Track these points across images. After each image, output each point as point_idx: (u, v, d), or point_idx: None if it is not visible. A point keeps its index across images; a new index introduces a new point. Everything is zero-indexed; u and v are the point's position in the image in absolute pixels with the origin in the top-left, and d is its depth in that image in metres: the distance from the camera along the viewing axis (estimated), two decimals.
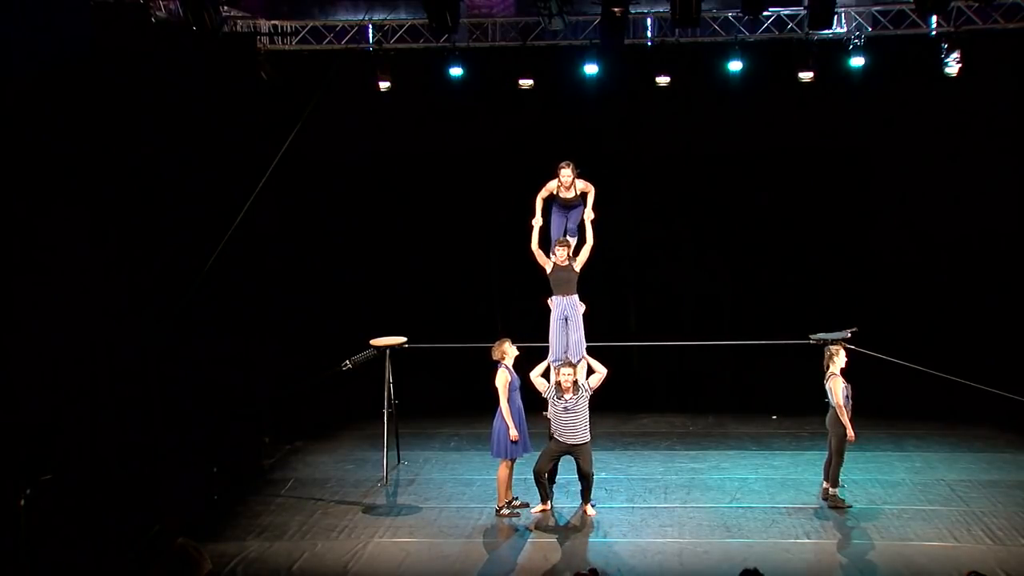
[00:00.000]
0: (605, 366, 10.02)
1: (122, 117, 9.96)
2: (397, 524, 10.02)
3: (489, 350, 10.12)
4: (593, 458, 9.98)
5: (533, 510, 10.07)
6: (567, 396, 9.72)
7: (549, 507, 10.12)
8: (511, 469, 10.11)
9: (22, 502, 8.01)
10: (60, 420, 9.00)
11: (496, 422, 10.00)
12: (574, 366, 9.87)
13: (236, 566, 9.10)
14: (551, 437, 9.92)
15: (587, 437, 9.83)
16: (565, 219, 10.45)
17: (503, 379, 9.93)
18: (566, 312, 10.24)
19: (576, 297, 10.32)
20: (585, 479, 9.93)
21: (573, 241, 10.42)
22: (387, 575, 8.97)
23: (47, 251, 9.05)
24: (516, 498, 10.20)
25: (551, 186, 10.36)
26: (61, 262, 9.16)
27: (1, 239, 8.72)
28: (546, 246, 10.46)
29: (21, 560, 8.10)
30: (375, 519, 10.18)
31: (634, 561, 9.02)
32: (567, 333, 10.22)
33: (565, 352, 10.16)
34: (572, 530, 9.78)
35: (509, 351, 10.05)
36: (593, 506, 10.07)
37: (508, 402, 9.89)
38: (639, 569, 8.89)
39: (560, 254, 10.22)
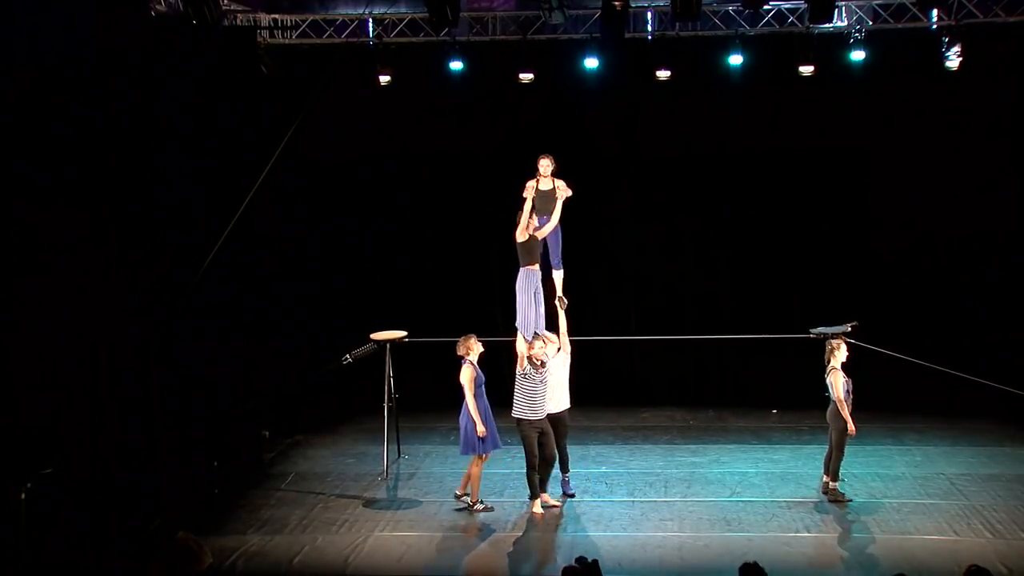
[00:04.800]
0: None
1: (121, 111, 9.95)
2: (397, 518, 10.04)
3: (484, 345, 10.08)
4: (584, 448, 10.02)
5: (533, 510, 9.97)
6: (543, 369, 9.77)
7: (541, 504, 10.03)
8: (481, 466, 10.08)
9: (23, 496, 8.03)
10: (60, 418, 9.01)
11: (462, 419, 9.94)
12: (546, 340, 9.93)
13: (237, 560, 9.12)
14: (521, 426, 9.81)
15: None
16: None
17: (468, 375, 9.87)
18: (536, 284, 10.12)
19: (538, 266, 10.19)
20: (561, 450, 10.07)
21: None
22: (387, 569, 8.99)
23: (47, 251, 9.04)
24: (482, 501, 10.13)
25: (530, 186, 10.23)
26: (61, 262, 9.16)
27: (1, 239, 8.72)
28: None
29: (22, 555, 8.12)
30: (375, 513, 10.20)
31: (634, 555, 9.03)
32: (535, 306, 10.10)
33: (535, 325, 10.03)
34: (571, 523, 9.79)
35: (475, 347, 10.00)
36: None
37: (475, 398, 9.87)
38: (639, 563, 8.89)
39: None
